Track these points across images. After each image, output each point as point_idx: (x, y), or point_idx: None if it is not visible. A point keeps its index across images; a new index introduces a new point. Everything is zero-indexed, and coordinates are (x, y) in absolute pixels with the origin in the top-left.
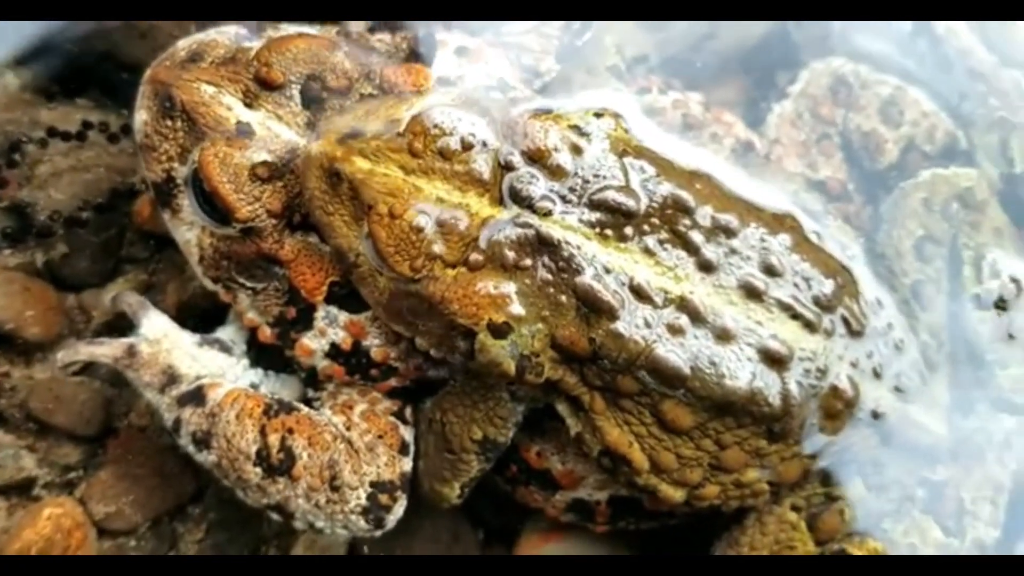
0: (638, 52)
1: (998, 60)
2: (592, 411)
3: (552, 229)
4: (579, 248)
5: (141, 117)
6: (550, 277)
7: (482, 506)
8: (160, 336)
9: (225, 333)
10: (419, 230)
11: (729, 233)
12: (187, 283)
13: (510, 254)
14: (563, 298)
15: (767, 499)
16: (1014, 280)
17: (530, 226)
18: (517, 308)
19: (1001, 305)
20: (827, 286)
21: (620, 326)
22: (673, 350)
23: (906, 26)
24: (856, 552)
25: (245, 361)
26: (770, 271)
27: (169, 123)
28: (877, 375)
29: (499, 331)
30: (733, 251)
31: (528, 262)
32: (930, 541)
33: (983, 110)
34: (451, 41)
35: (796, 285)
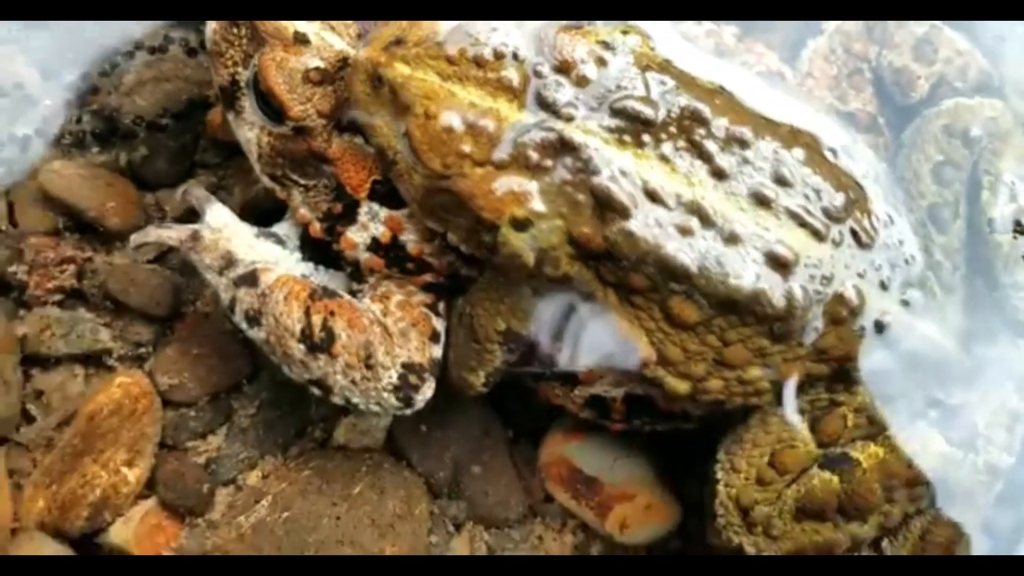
0: None
1: None
2: (606, 305)
3: (574, 133)
4: (598, 151)
5: (211, 27)
6: (569, 177)
7: (513, 407)
8: (222, 225)
9: (281, 229)
10: (450, 131)
11: (743, 144)
12: (251, 186)
13: (533, 155)
14: (581, 197)
15: (771, 400)
16: None
17: (553, 130)
18: (538, 205)
19: (1019, 229)
20: (837, 199)
21: (633, 225)
22: (682, 249)
23: None
24: (858, 456)
25: (297, 255)
26: (781, 181)
27: (235, 32)
28: (884, 287)
29: (520, 225)
30: (746, 161)
31: (550, 163)
32: (932, 451)
33: (1020, 50)
34: None
35: (806, 196)
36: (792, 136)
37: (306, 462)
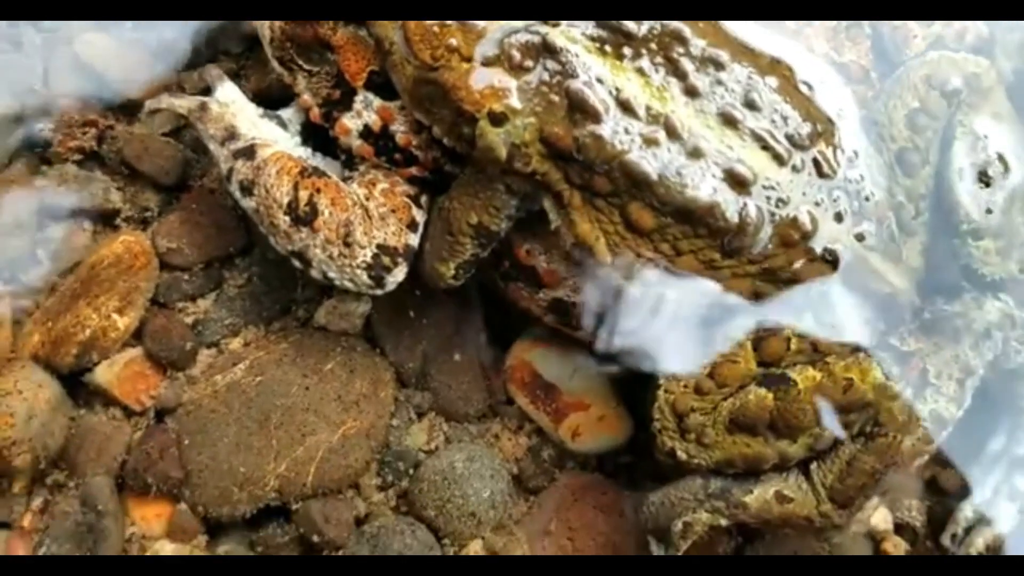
0: None
1: None
2: (570, 206)
3: (557, 38)
4: (577, 57)
5: None
6: (548, 79)
7: (488, 313)
8: (229, 101)
9: (285, 113)
10: (442, 25)
11: (718, 66)
12: (266, 76)
13: (517, 55)
14: (556, 98)
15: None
16: (1002, 159)
17: (539, 34)
18: (514, 101)
19: (984, 180)
20: (803, 128)
21: (602, 130)
22: (645, 157)
23: None
24: (795, 377)
25: (297, 139)
26: (750, 105)
27: None
28: (839, 218)
29: (496, 119)
30: (719, 82)
31: (531, 63)
32: (868, 381)
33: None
34: None
35: (773, 121)
36: (769, 66)
37: (286, 336)
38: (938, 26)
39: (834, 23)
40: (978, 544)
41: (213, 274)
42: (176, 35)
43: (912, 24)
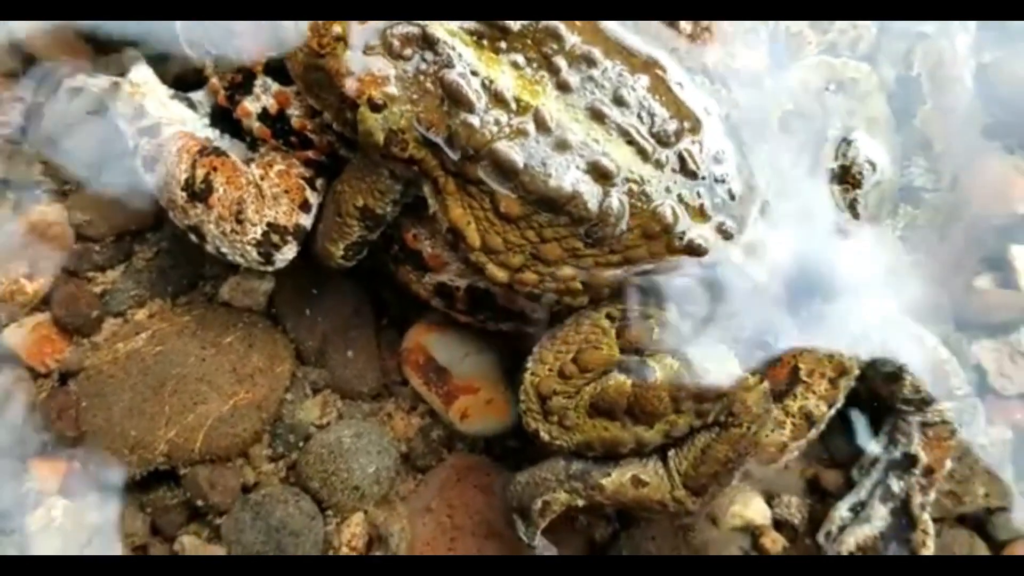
0: None
1: None
2: (444, 192)
3: (436, 30)
4: (454, 49)
5: None
6: (425, 68)
7: (389, 296)
8: (141, 81)
9: (196, 95)
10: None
11: (591, 63)
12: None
13: (396, 44)
14: (431, 87)
15: (584, 302)
16: (870, 163)
17: (419, 25)
18: (392, 89)
19: (850, 181)
20: (670, 125)
21: (473, 119)
22: (513, 147)
23: None
24: (654, 365)
25: (206, 120)
26: (619, 101)
27: None
28: (702, 214)
29: (375, 106)
30: (591, 79)
31: (410, 53)
32: (726, 372)
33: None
34: None
35: (640, 117)
36: (643, 65)
37: (189, 310)
38: (833, 34)
39: (731, 29)
40: (849, 543)
41: (123, 247)
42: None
43: (808, 31)
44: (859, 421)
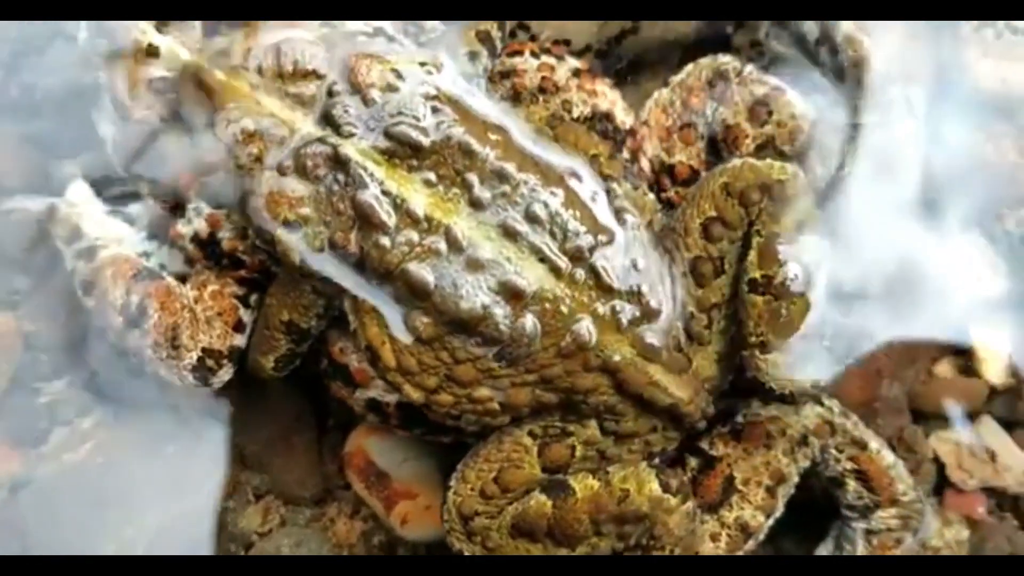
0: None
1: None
2: (361, 310)
3: (348, 150)
4: (366, 169)
5: (82, 34)
6: (337, 189)
7: (329, 400)
8: (78, 201)
9: (134, 208)
10: (249, 135)
11: (504, 179)
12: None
13: (311, 165)
14: (344, 207)
15: (505, 421)
16: (796, 275)
17: (332, 145)
18: (306, 210)
19: (773, 293)
20: (584, 240)
21: (385, 240)
22: (424, 268)
23: (815, 32)
24: (575, 485)
25: (144, 234)
26: (532, 218)
27: (99, 41)
28: (619, 330)
29: (290, 227)
30: (504, 195)
31: (323, 173)
32: (644, 493)
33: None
34: None
35: (552, 233)
36: (557, 178)
37: (135, 416)
38: (770, 127)
39: (669, 123)
40: None
41: (70, 355)
42: (49, 126)
43: (744, 125)
44: (806, 524)
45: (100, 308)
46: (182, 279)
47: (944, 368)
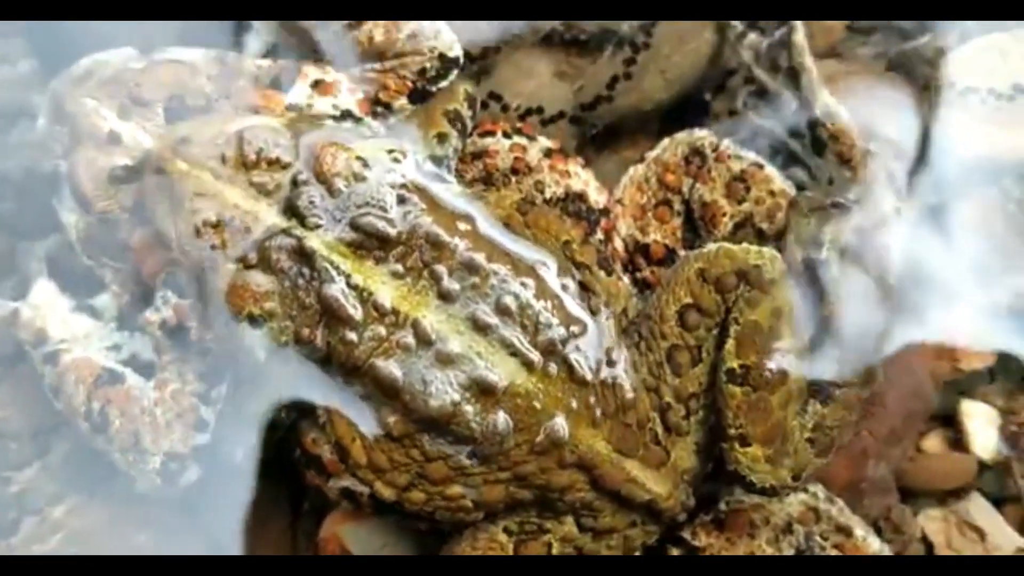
0: (534, 104)
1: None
2: (330, 406)
3: (313, 242)
4: (332, 262)
5: (41, 121)
6: (303, 283)
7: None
8: (41, 302)
9: (99, 300)
10: (212, 226)
11: (473, 270)
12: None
13: (276, 258)
14: (310, 303)
15: (479, 517)
16: (771, 371)
17: (297, 237)
18: (271, 305)
19: (752, 383)
20: (556, 332)
21: (353, 335)
22: (392, 364)
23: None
24: None
25: (112, 325)
26: (503, 311)
27: (59, 128)
28: (595, 424)
29: (255, 322)
30: (474, 287)
31: (288, 267)
32: None
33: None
34: (311, 74)
35: (524, 327)
36: (527, 268)
37: (106, 505)
38: (748, 204)
39: (644, 200)
40: None
41: (40, 442)
42: (12, 207)
43: (722, 202)
44: None
45: (67, 412)
46: (152, 368)
47: (932, 443)
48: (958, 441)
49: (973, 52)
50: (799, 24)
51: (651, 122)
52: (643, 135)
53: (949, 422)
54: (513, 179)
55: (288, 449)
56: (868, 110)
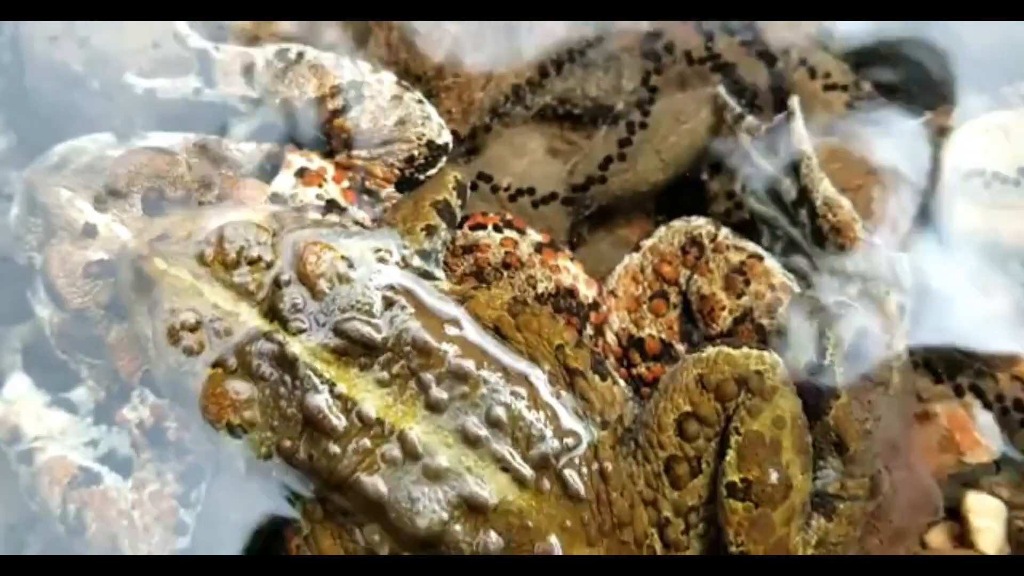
0: (526, 185)
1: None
2: (311, 518)
3: (295, 348)
4: (315, 370)
5: (14, 211)
6: (284, 391)
7: None
8: (16, 398)
9: (76, 394)
10: (191, 330)
11: (463, 379)
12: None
13: (256, 364)
14: (292, 412)
15: None
16: (773, 485)
17: (279, 343)
18: (252, 414)
19: (754, 498)
20: (549, 446)
21: (336, 448)
22: (378, 479)
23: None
24: None
25: (89, 419)
26: (493, 422)
27: (32, 220)
28: (590, 543)
29: (234, 432)
30: (463, 396)
31: (269, 373)
32: None
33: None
34: (296, 162)
35: (515, 439)
36: (519, 376)
37: None
38: (747, 298)
39: (639, 292)
40: None
41: (14, 539)
42: None
43: (720, 295)
44: None
45: (43, 513)
46: (130, 464)
47: (937, 538)
48: (963, 536)
49: (976, 132)
50: (798, 110)
51: (646, 200)
52: (638, 214)
53: (954, 514)
54: (505, 273)
55: (272, 551)
56: (867, 193)
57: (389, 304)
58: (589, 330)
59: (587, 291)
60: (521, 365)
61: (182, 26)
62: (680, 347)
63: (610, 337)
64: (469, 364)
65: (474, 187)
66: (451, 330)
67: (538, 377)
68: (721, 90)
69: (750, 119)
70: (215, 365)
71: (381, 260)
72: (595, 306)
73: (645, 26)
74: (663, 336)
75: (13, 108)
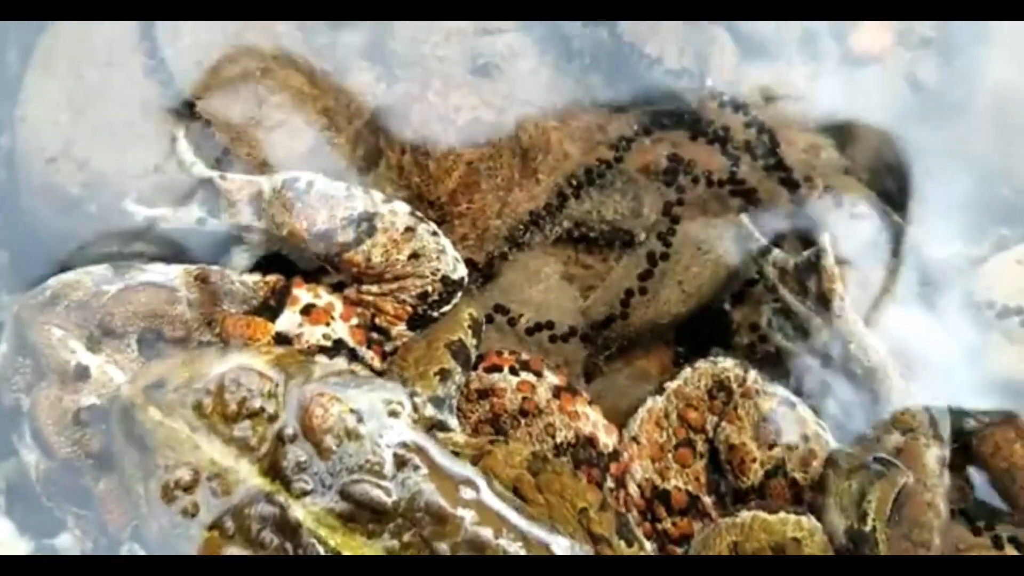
0: (544, 318)
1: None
2: None
3: (298, 512)
4: (319, 537)
5: (2, 348)
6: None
7: None
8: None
9: (61, 540)
10: (186, 488)
11: (479, 548)
12: None
13: (256, 528)
14: None
15: None
16: None
17: (280, 505)
18: None
19: None
20: None
21: None
22: None
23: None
24: None
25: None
26: None
27: (21, 359)
28: None
29: None
30: None
31: (270, 539)
32: None
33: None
34: (302, 298)
35: None
36: (539, 545)
37: None
38: (779, 450)
39: (663, 439)
40: None
41: None
42: None
43: (750, 446)
44: None
45: None
46: None
47: None
48: None
49: (1007, 265)
50: (828, 246)
51: (666, 332)
52: (657, 344)
53: None
54: (522, 421)
55: None
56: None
57: (401, 464)
58: (610, 482)
59: (607, 439)
60: (542, 533)
61: (187, 153)
62: (707, 499)
63: (632, 488)
64: (487, 533)
65: (490, 319)
66: (467, 493)
67: (559, 546)
68: (744, 219)
69: (777, 252)
70: (211, 528)
71: (392, 414)
72: (615, 455)
73: (663, 148)
74: (690, 488)
75: (6, 227)
